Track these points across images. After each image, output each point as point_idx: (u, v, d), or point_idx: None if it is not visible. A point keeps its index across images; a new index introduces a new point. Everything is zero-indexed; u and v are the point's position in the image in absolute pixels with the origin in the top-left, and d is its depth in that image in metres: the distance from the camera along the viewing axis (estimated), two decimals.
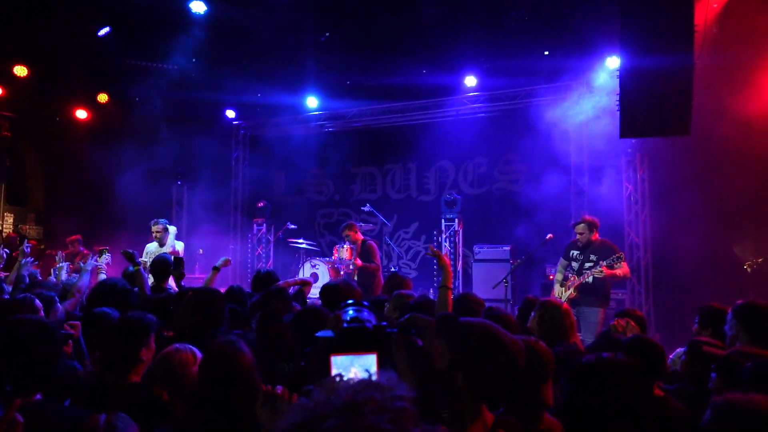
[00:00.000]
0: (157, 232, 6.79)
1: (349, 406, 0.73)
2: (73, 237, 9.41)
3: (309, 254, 10.06)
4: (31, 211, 12.39)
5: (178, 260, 4.76)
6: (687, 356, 3.01)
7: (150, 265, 5.01)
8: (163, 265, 4.71)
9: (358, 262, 7.28)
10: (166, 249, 6.62)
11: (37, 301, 3.06)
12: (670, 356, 3.91)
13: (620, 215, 8.76)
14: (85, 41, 9.16)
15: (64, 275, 4.90)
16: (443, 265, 3.50)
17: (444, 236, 9.69)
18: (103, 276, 4.73)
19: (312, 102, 10.97)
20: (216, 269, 4.79)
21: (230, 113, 11.90)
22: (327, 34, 9.12)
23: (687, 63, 4.84)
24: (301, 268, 9.56)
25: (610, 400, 1.71)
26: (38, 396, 1.80)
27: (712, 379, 2.40)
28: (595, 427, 1.73)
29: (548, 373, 2.24)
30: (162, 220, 6.97)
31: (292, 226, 10.25)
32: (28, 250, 5.17)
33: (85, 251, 9.20)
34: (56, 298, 3.37)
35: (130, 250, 4.50)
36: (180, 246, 6.96)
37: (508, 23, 8.57)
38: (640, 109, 5.16)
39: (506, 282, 5.92)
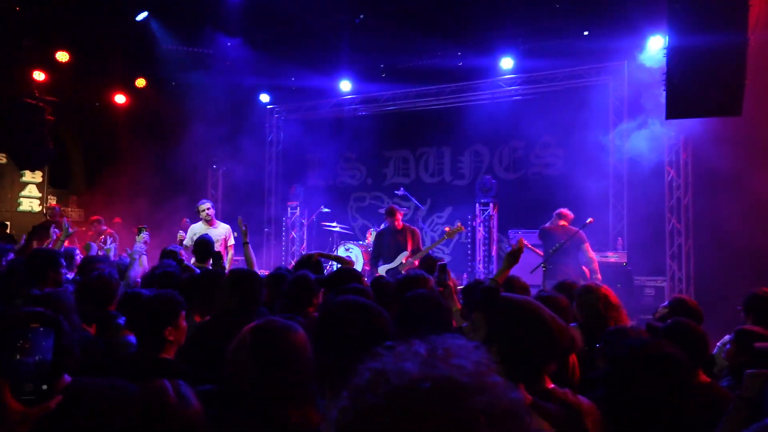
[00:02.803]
0: (207, 209, 6.72)
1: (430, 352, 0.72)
2: (94, 217, 9.63)
3: (342, 238, 10.11)
4: (74, 194, 12.74)
5: (217, 255, 4.75)
6: (733, 345, 2.89)
7: (193, 245, 5.07)
8: (205, 246, 4.77)
9: (416, 263, 6.82)
10: (217, 230, 6.63)
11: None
12: (717, 344, 3.80)
13: (661, 201, 8.52)
14: (124, 26, 9.32)
15: (112, 256, 5.01)
16: (513, 260, 3.34)
17: (478, 221, 9.59)
18: (144, 257, 4.80)
19: (346, 86, 10.93)
20: (247, 243, 4.74)
21: (264, 97, 11.97)
22: (362, 16, 9.04)
23: (740, 40, 4.62)
24: (335, 252, 9.61)
25: (652, 388, 1.64)
26: (67, 378, 1.77)
27: None
28: (636, 416, 1.67)
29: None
30: (209, 201, 7.01)
31: (326, 210, 10.30)
32: (70, 229, 5.26)
33: (108, 230, 9.44)
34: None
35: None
36: (225, 228, 6.94)
37: (546, 3, 8.35)
38: (689, 88, 4.97)
39: (544, 267, 5.83)
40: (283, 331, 1.76)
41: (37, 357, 1.68)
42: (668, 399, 1.59)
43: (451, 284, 3.62)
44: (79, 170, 12.70)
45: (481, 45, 9.43)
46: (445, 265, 3.68)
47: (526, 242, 3.45)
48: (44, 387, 1.61)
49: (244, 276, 3.02)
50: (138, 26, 9.21)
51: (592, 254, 7.00)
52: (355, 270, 3.39)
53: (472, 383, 0.67)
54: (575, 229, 6.97)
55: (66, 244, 6.43)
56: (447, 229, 6.99)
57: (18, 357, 1.69)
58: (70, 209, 12.62)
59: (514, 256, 3.33)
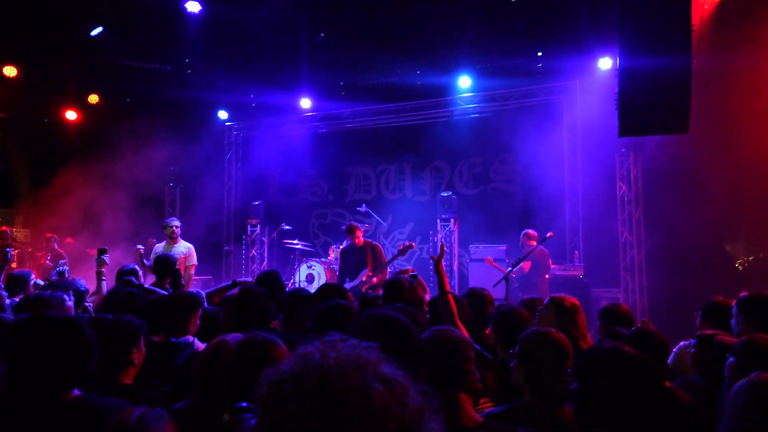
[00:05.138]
0: (175, 226, 6.75)
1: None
2: (48, 235, 9.32)
3: (304, 255, 10.03)
4: (19, 214, 12.21)
5: (176, 272, 4.59)
6: (696, 349, 3.03)
7: (153, 263, 4.95)
8: (164, 264, 4.66)
9: (375, 279, 7.07)
10: (178, 248, 6.57)
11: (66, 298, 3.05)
12: (674, 350, 3.96)
13: (614, 214, 8.85)
14: (77, 41, 9.07)
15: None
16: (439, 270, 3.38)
17: (440, 236, 9.71)
18: (103, 280, 4.64)
19: (306, 103, 10.95)
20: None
21: (223, 114, 11.84)
22: (322, 34, 9.11)
23: (685, 62, 4.91)
24: (297, 270, 9.53)
25: (618, 392, 1.68)
26: (76, 391, 1.77)
27: (728, 366, 2.42)
28: (605, 421, 1.70)
29: (566, 362, 2.23)
30: (178, 220, 7.00)
31: (287, 227, 10.22)
32: (11, 257, 5.05)
33: (59, 250, 9.11)
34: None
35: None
36: (187, 246, 6.86)
37: (502, 24, 8.64)
38: (639, 107, 5.22)
39: (507, 279, 5.95)
40: (264, 345, 1.77)
41: None
42: (641, 401, 1.65)
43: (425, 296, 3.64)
44: (26, 189, 12.19)
45: (440, 64, 9.65)
46: (416, 275, 3.72)
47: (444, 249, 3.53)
48: None
49: (253, 295, 3.02)
50: (91, 41, 8.97)
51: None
52: (340, 286, 3.39)
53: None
54: (537, 246, 7.32)
55: (13, 266, 6.14)
56: (400, 246, 7.26)
57: None
58: (15, 229, 12.07)
59: (437, 264, 3.41)
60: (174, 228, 6.75)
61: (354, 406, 0.80)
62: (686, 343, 3.43)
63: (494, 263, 8.29)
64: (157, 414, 1.55)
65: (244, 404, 1.61)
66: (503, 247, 8.90)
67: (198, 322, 3.29)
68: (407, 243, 7.23)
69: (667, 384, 2.79)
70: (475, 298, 3.37)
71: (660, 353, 2.90)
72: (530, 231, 7.97)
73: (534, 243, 7.80)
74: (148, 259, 6.34)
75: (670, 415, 1.72)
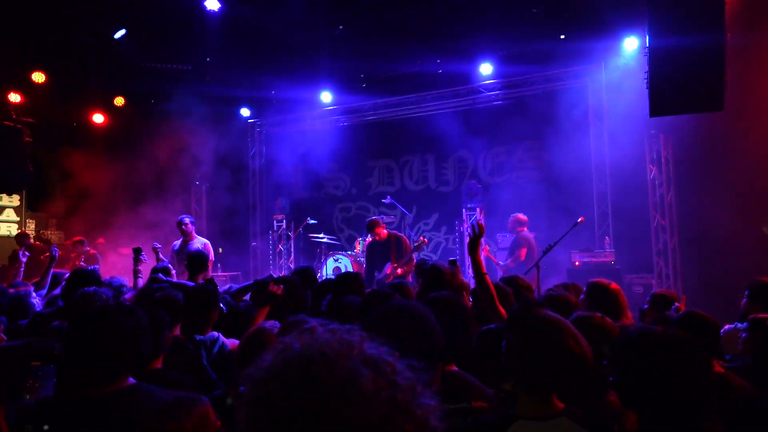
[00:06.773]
0: (183, 224, 6.83)
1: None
2: (76, 238, 9.50)
3: (330, 249, 10.06)
4: (52, 217, 12.48)
5: (209, 280, 4.65)
6: (749, 333, 2.95)
7: (187, 259, 5.03)
8: (198, 260, 4.73)
9: (399, 271, 7.06)
10: (195, 245, 6.65)
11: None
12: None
13: (645, 198, 8.66)
14: (102, 45, 9.20)
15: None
16: (473, 247, 3.25)
17: (466, 226, 9.63)
18: (139, 278, 4.77)
19: (326, 97, 10.95)
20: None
21: (245, 111, 11.91)
22: (340, 27, 9.07)
23: (719, 38, 4.76)
24: (324, 263, 9.56)
25: (661, 373, 1.65)
26: (131, 380, 1.78)
27: None
28: (649, 403, 1.67)
29: None
30: (188, 216, 7.06)
31: (312, 221, 10.26)
32: (57, 253, 5.25)
33: (92, 251, 9.27)
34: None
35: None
36: (202, 242, 6.95)
37: (522, 8, 8.48)
38: (671, 87, 5.09)
39: (538, 267, 5.88)
40: None
41: (40, 396, 1.64)
42: (682, 382, 1.60)
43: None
44: (58, 192, 12.45)
45: (460, 52, 9.52)
46: (455, 260, 3.71)
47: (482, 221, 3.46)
48: (45, 427, 1.57)
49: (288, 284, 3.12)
50: (115, 44, 9.09)
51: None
52: (356, 273, 3.41)
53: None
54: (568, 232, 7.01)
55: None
56: (415, 243, 7.30)
57: (22, 396, 1.65)
58: (49, 232, 12.35)
59: (473, 244, 3.25)
60: (183, 226, 6.79)
61: (343, 396, 0.76)
62: (731, 326, 3.35)
63: (488, 253, 8.20)
64: (197, 399, 1.55)
65: None
66: (531, 235, 8.77)
67: (216, 317, 3.28)
68: (419, 239, 7.33)
69: (721, 370, 2.72)
70: (517, 286, 3.32)
71: (710, 336, 2.82)
72: (520, 215, 7.94)
73: (525, 229, 7.86)
74: (167, 257, 6.44)
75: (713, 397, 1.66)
